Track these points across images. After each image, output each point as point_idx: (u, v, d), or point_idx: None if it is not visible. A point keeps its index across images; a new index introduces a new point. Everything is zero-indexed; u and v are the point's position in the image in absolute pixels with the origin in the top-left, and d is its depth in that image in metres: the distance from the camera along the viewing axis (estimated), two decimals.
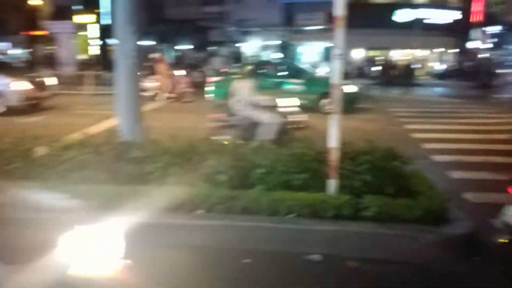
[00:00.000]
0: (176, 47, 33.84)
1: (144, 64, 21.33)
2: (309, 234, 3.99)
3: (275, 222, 4.05)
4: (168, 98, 14.97)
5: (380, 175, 4.29)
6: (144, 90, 15.03)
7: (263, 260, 3.82)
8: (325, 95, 12.15)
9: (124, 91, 5.37)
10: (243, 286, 3.48)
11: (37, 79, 13.33)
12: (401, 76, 22.45)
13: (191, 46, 32.95)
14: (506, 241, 3.46)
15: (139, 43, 5.48)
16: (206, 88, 14.22)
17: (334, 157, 4.29)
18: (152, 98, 15.12)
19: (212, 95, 14.00)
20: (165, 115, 12.18)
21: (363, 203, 4.10)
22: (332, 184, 4.30)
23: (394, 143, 8.19)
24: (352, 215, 4.07)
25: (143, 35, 6.04)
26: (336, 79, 4.32)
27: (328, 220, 4.05)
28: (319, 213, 4.09)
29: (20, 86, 12.12)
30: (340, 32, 4.18)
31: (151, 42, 28.28)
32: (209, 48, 31.70)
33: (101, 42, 26.27)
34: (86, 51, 28.97)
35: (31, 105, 12.46)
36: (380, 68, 28.33)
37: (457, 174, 6.66)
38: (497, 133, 10.02)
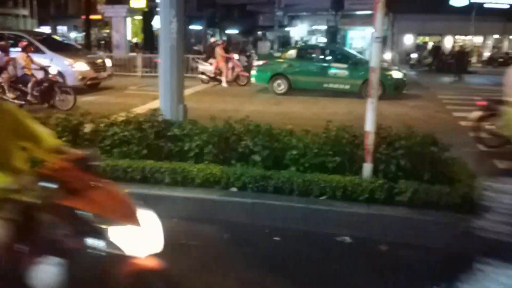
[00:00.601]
0: (225, 32, 34.11)
1: (200, 47, 21.79)
2: (340, 216, 4.00)
3: (307, 203, 4.10)
4: (226, 81, 15.25)
5: (417, 161, 4.21)
6: (202, 73, 15.48)
7: (293, 238, 3.89)
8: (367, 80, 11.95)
9: (166, 72, 5.54)
10: (272, 262, 3.56)
11: (97, 61, 13.87)
12: (453, 63, 21.45)
13: (237, 31, 33.07)
14: None
15: (185, 26, 5.61)
16: (252, 72, 14.31)
17: (370, 141, 4.26)
18: (209, 81, 15.48)
19: (255, 79, 14.12)
20: (211, 98, 12.43)
21: (397, 187, 4.05)
22: (367, 168, 4.27)
23: (440, 130, 8.06)
24: (386, 199, 4.05)
25: (192, 20, 6.16)
26: (374, 62, 4.26)
27: (361, 203, 4.05)
28: (352, 196, 4.09)
29: (81, 67, 12.66)
30: (379, 15, 4.10)
31: (199, 27, 28.61)
32: (257, 33, 31.70)
33: (152, 26, 26.87)
34: (139, 34, 29.82)
35: (90, 85, 13.03)
36: (432, 54, 27.25)
37: (504, 164, 6.38)
38: None
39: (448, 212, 3.87)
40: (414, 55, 27.75)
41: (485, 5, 27.62)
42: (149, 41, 24.41)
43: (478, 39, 31.06)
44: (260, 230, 4.02)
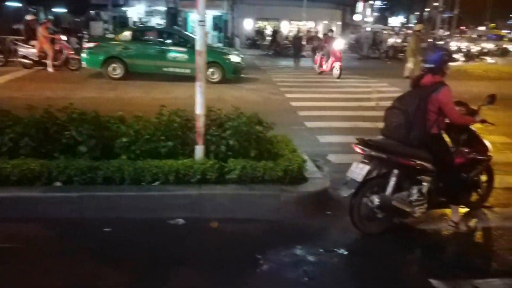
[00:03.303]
0: (51, 10, 30.91)
1: (20, 26, 19.27)
2: (173, 200, 4.04)
3: (138, 191, 4.02)
4: (52, 65, 13.79)
5: (244, 140, 4.45)
6: (24, 56, 13.69)
7: (125, 228, 3.81)
8: (209, 64, 12.13)
9: None
10: (104, 253, 3.43)
11: None
12: (290, 47, 23.17)
13: (66, 10, 30.24)
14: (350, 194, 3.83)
15: None
16: (82, 55, 13.29)
17: (200, 123, 4.35)
18: (33, 66, 13.83)
19: (86, 62, 13.17)
20: (36, 85, 11.24)
21: (227, 166, 4.23)
22: (199, 150, 4.37)
23: (274, 110, 8.68)
24: (217, 179, 4.20)
25: None
26: (199, 46, 4.32)
27: (193, 185, 4.13)
28: (184, 179, 4.15)
29: None
30: None
31: (18, 4, 25.38)
32: (90, 12, 29.43)
33: None
34: None
35: None
36: (269, 38, 28.90)
37: (325, 139, 7.16)
38: (366, 100, 10.92)
39: (272, 185, 4.20)
40: (252, 39, 29.00)
41: None
42: None
43: (311, 25, 33.98)
44: (90, 223, 3.85)
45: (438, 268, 3.39)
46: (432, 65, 3.87)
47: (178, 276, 3.18)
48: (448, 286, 3.12)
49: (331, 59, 15.67)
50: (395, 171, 3.81)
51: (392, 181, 3.81)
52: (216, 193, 4.10)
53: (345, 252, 3.56)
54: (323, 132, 7.55)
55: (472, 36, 40.50)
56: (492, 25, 50.61)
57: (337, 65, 15.44)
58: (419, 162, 3.80)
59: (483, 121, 4.18)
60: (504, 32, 46.35)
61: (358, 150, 3.85)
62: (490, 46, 31.41)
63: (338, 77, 15.05)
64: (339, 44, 16.41)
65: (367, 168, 3.72)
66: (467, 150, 4.16)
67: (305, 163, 4.57)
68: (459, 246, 3.82)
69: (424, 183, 3.88)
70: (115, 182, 4.08)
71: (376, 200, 3.80)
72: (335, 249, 3.59)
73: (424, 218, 4.16)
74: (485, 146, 4.24)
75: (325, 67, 16.01)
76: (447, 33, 36.78)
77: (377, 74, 16.64)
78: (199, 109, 4.36)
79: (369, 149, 3.78)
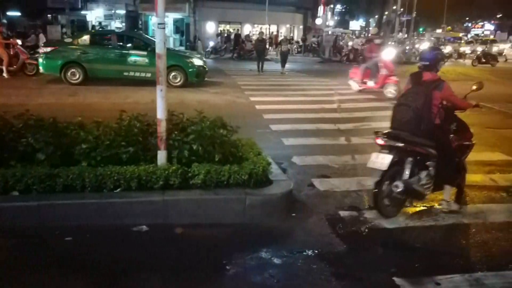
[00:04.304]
0: (5, 13, 29.75)
1: None
2: (136, 206, 3.96)
3: (100, 198, 3.92)
4: (7, 71, 13.24)
5: (208, 144, 4.41)
6: None
7: (87, 236, 3.70)
8: (171, 68, 12.01)
9: None
10: (64, 263, 3.33)
11: None
12: (253, 51, 23.23)
13: (20, 13, 29.16)
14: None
15: None
16: (39, 60, 12.85)
17: (162, 128, 4.29)
18: None
19: (42, 68, 12.76)
20: None
21: (191, 171, 4.19)
22: (161, 155, 4.30)
23: (239, 114, 8.68)
24: (181, 184, 4.15)
25: None
26: (159, 49, 4.26)
27: (156, 191, 4.06)
28: (147, 185, 4.08)
29: None
30: (160, 1, 4.10)
31: None
32: (47, 16, 28.51)
33: None
34: None
35: None
36: (232, 42, 28.91)
37: (289, 141, 7.22)
38: (328, 103, 11.10)
39: (237, 189, 4.19)
40: (212, 43, 28.69)
41: None
42: None
43: (273, 28, 34.29)
44: (49, 232, 3.71)
45: (402, 266, 3.47)
46: (427, 63, 4.34)
47: (142, 284, 3.11)
48: (411, 283, 3.20)
49: (382, 73, 12.39)
50: (409, 159, 4.26)
51: (408, 168, 4.26)
52: (180, 198, 4.05)
53: (311, 253, 3.60)
54: (288, 134, 7.61)
55: (431, 38, 41.81)
56: (449, 28, 52.63)
57: (391, 83, 12.21)
58: (428, 149, 4.27)
59: (476, 105, 4.62)
60: (461, 34, 48.11)
61: (380, 141, 4.23)
62: (448, 49, 32.39)
63: (392, 99, 11.16)
64: (389, 53, 13.13)
65: (390, 157, 4.12)
66: (457, 137, 4.59)
67: (270, 166, 4.59)
68: (423, 243, 3.92)
69: (431, 168, 4.36)
70: (75, 189, 3.96)
71: (400, 185, 4.20)
72: (301, 251, 3.62)
73: (391, 217, 4.29)
74: (470, 133, 4.70)
75: (372, 83, 12.67)
76: (405, 36, 37.99)
77: (338, 76, 16.96)
78: (160, 114, 4.29)
79: (390, 140, 4.18)
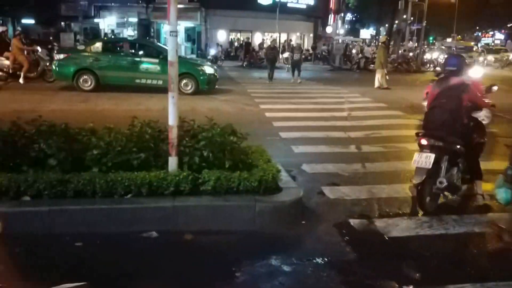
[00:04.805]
0: (20, 21, 30.23)
1: None
2: (146, 213, 3.97)
3: (110, 204, 3.95)
4: (26, 77, 13.46)
5: (218, 151, 4.43)
6: None
7: (96, 242, 3.72)
8: (182, 75, 12.09)
9: None
10: (73, 269, 3.33)
11: None
12: (264, 58, 23.30)
13: (35, 21, 29.59)
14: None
15: None
16: (53, 67, 13.04)
17: (173, 135, 4.31)
18: (7, 78, 13.46)
19: (55, 75, 12.95)
20: (2, 97, 10.96)
21: (201, 178, 4.20)
22: (172, 162, 4.32)
23: (248, 121, 8.70)
24: (191, 191, 4.16)
25: None
26: (171, 56, 4.30)
27: (167, 197, 4.08)
28: (157, 191, 4.09)
29: None
30: (173, 9, 4.15)
31: None
32: (60, 24, 28.95)
33: None
34: None
35: None
36: (243, 50, 29.00)
37: (299, 149, 7.22)
38: (338, 111, 11.09)
39: (247, 196, 4.19)
40: (213, 51, 28.18)
41: (288, 5, 30.67)
42: None
43: (284, 36, 34.40)
44: (59, 238, 3.73)
45: (412, 275, 3.44)
46: (454, 68, 4.75)
47: None
48: None
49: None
50: (446, 157, 4.54)
51: (444, 166, 4.54)
52: (190, 205, 4.06)
53: (321, 261, 3.57)
54: (298, 142, 7.60)
55: (442, 47, 41.48)
56: (459, 37, 52.33)
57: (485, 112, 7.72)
58: (460, 147, 4.60)
59: (493, 105, 5.30)
60: (472, 43, 47.75)
61: (424, 141, 4.55)
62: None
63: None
64: (477, 71, 10.10)
65: (433, 156, 4.40)
66: (475, 135, 4.92)
67: (280, 173, 4.58)
68: (433, 252, 3.87)
69: (460, 164, 4.76)
70: (86, 195, 3.99)
71: (445, 181, 4.46)
72: (311, 259, 3.60)
73: (396, 226, 4.25)
74: (485, 131, 5.08)
75: None
76: (415, 44, 37.85)
77: (348, 84, 16.94)
78: (172, 120, 4.32)
79: (433, 140, 4.50)
